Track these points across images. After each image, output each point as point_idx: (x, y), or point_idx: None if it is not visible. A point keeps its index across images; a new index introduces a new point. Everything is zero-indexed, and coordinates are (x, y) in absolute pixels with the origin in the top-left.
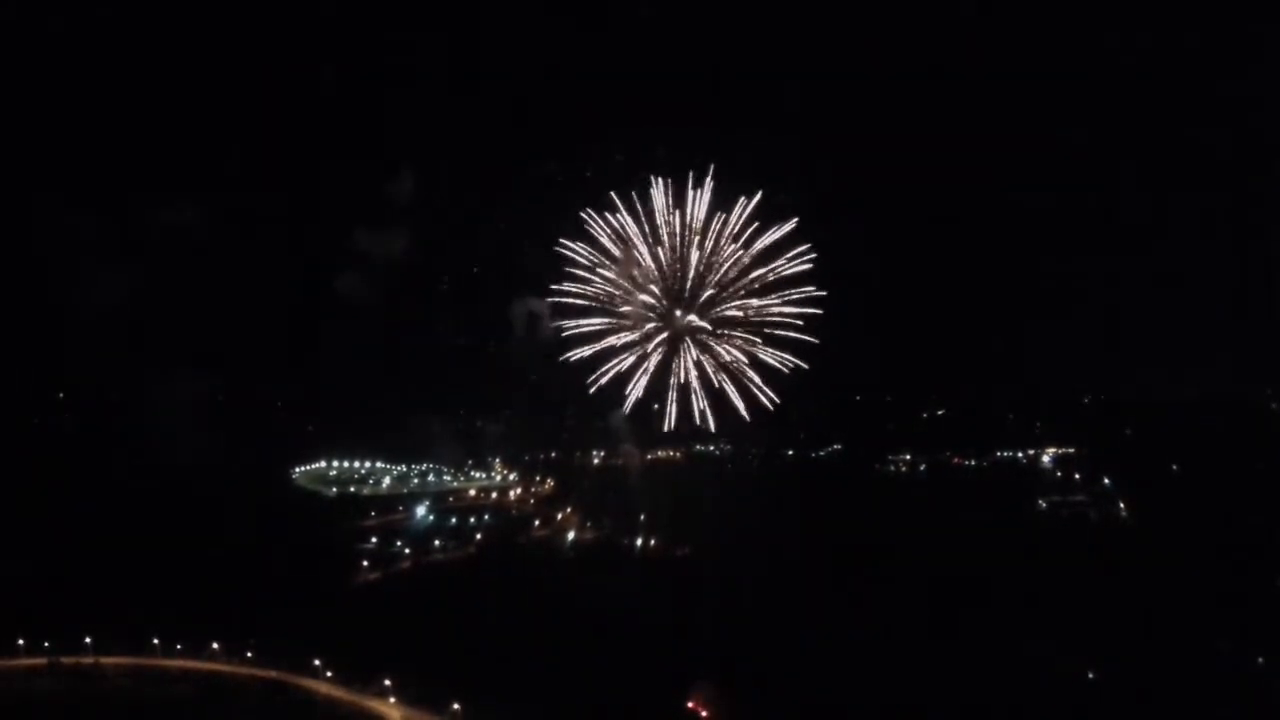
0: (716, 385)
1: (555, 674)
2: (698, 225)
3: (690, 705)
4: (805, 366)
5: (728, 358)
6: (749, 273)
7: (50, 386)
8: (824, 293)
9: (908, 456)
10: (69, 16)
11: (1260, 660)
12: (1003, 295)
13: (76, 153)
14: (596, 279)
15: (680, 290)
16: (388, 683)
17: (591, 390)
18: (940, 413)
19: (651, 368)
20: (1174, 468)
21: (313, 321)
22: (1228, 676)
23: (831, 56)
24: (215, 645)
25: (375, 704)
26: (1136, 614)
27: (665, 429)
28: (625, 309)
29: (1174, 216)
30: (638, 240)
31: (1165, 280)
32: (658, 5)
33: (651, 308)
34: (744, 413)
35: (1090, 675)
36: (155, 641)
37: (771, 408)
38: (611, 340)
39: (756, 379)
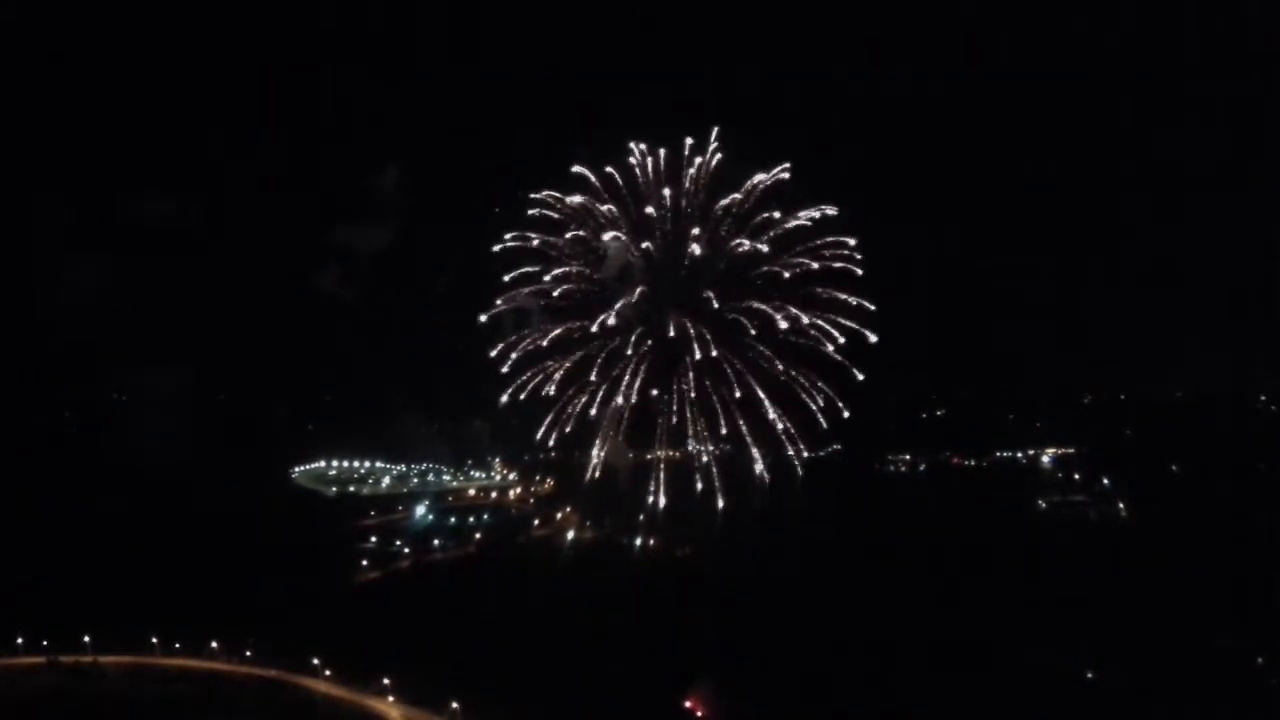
0: (725, 430)
1: (555, 674)
2: (697, 206)
3: (689, 705)
4: (847, 414)
5: (740, 390)
6: (765, 267)
7: (49, 386)
8: (873, 306)
9: (907, 457)
10: (46, 9)
11: (1260, 660)
12: (1003, 294)
13: (71, 151)
14: (561, 282)
15: (672, 288)
16: (387, 682)
17: (550, 448)
18: (940, 413)
19: (633, 397)
20: (1174, 468)
21: (311, 320)
22: (1228, 676)
23: None
24: (214, 644)
25: (374, 703)
26: (1136, 614)
27: (654, 504)
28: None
29: (1174, 216)
30: (618, 229)
31: (1165, 280)
32: None
33: (635, 312)
34: (764, 473)
35: (1090, 675)
36: (154, 640)
37: (801, 469)
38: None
39: (780, 423)
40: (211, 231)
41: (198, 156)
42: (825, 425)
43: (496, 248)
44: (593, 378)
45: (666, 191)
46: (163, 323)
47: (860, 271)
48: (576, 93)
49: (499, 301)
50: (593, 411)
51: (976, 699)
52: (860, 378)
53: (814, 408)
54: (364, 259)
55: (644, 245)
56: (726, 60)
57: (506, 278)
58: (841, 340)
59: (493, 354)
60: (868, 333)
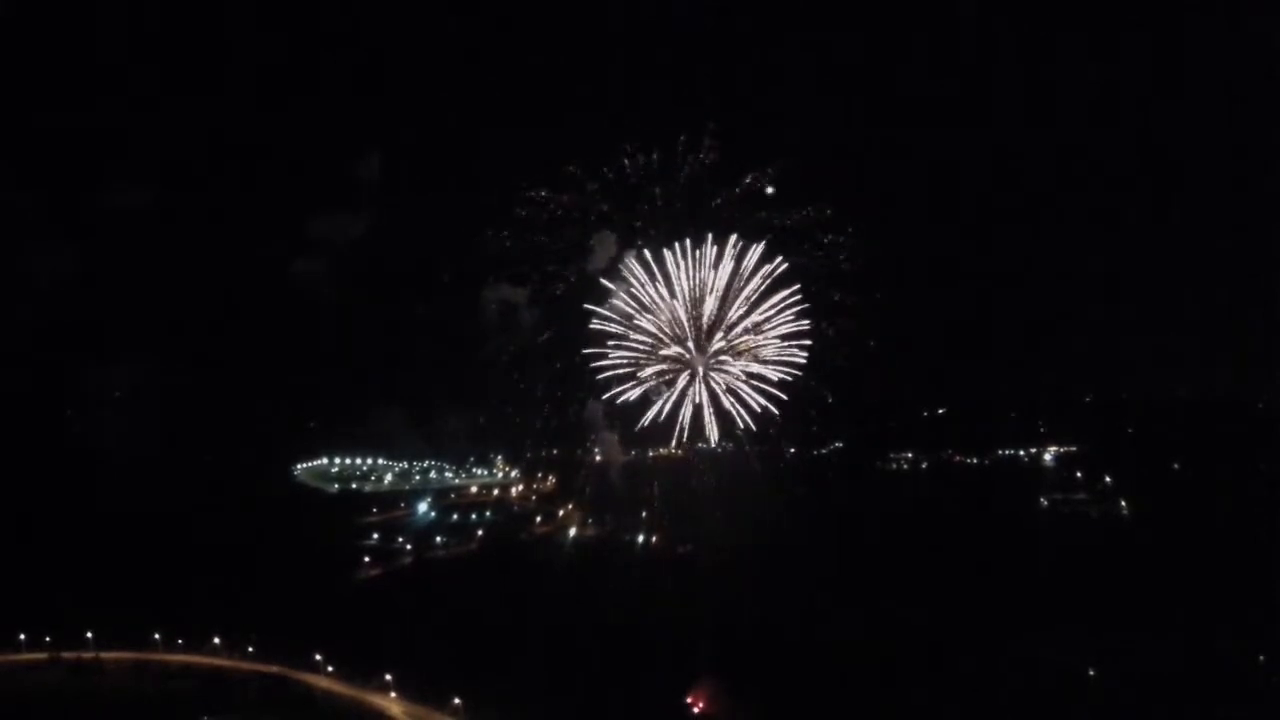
0: (726, 428)
1: (556, 670)
2: (691, 205)
3: (690, 701)
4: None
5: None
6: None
7: (53, 384)
8: (876, 309)
9: (909, 455)
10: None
11: (1260, 659)
12: (1004, 294)
13: (73, 148)
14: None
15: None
16: (389, 678)
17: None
18: (942, 411)
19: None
20: (1175, 466)
21: (311, 318)
22: (1228, 676)
23: None
24: (216, 640)
25: (376, 699)
26: (1137, 613)
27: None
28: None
29: (1175, 216)
30: (611, 229)
31: (1166, 280)
32: None
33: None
34: (765, 471)
35: (1091, 673)
36: (156, 636)
37: (803, 467)
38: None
39: (781, 421)
40: (214, 229)
41: (196, 153)
42: (826, 425)
43: (490, 247)
44: (587, 379)
45: (659, 190)
46: (165, 321)
47: (861, 272)
48: (572, 91)
49: (492, 302)
50: (589, 412)
51: (978, 696)
52: (862, 382)
53: (813, 410)
54: (363, 257)
55: (637, 245)
56: (724, 58)
57: (498, 278)
58: (842, 347)
59: (484, 356)
60: (868, 338)
